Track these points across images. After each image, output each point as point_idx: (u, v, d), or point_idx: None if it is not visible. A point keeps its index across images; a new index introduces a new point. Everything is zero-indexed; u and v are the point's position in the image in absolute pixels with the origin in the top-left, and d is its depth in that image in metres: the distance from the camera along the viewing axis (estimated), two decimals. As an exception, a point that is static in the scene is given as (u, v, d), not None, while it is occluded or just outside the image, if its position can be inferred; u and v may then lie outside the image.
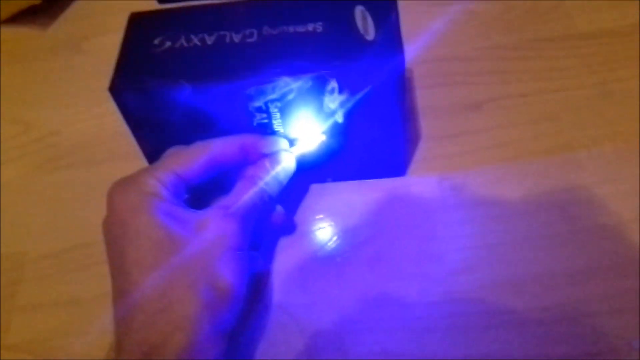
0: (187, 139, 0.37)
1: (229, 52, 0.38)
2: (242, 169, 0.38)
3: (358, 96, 0.37)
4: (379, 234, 0.42)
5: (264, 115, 0.38)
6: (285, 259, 0.42)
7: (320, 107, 0.38)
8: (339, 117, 0.39)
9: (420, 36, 0.52)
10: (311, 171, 0.42)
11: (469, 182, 0.44)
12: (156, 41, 0.39)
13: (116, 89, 0.37)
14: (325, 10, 0.39)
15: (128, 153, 0.45)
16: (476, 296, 0.38)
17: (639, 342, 0.35)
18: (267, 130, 0.39)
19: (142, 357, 0.30)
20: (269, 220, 0.39)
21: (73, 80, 0.57)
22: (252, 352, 0.38)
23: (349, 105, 0.38)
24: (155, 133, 0.40)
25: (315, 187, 0.45)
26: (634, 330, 0.36)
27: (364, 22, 0.38)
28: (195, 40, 0.39)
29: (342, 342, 0.38)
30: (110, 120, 0.52)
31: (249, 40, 0.38)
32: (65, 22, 0.63)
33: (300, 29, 0.38)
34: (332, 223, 0.43)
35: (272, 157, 0.38)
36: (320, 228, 0.43)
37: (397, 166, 0.45)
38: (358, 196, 0.45)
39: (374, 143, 0.42)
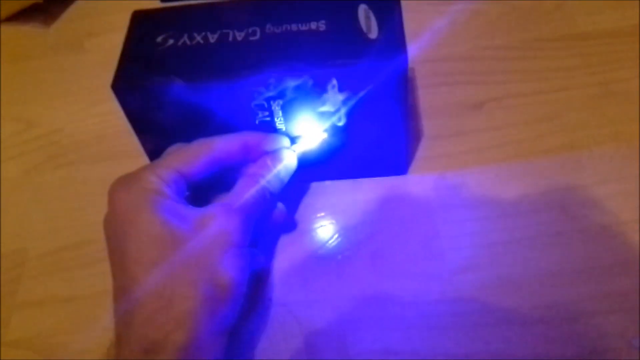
0: (189, 137, 0.37)
1: (231, 50, 0.38)
2: (243, 166, 0.38)
3: (360, 95, 0.37)
4: (380, 233, 0.42)
5: (266, 113, 0.38)
6: (286, 257, 0.42)
7: (322, 105, 0.38)
8: (341, 116, 0.39)
9: (423, 35, 0.52)
10: (313, 169, 0.42)
11: (470, 181, 0.44)
12: (159, 39, 0.39)
13: (118, 87, 0.37)
14: (328, 8, 0.39)
15: (130, 151, 0.45)
16: (477, 295, 0.38)
17: (639, 341, 0.35)
18: (269, 128, 0.39)
19: (143, 353, 0.30)
20: (270, 218, 0.39)
21: (75, 78, 0.57)
22: (252, 349, 0.38)
23: (351, 103, 0.38)
24: (157, 131, 0.40)
25: (316, 185, 0.45)
26: (635, 329, 0.36)
27: (367, 21, 0.38)
28: (198, 39, 0.39)
29: (342, 340, 0.38)
30: (112, 118, 0.52)
31: (252, 38, 0.38)
32: (68, 21, 0.63)
33: (303, 27, 0.38)
34: (333, 221, 0.44)
35: (273, 154, 0.38)
36: (321, 226, 0.43)
37: (398, 165, 0.45)
38: (359, 194, 0.45)
39: (375, 141, 0.42)
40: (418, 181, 0.45)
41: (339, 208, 0.44)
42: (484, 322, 0.37)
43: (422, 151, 0.46)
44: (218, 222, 0.34)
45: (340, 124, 0.39)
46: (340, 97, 0.37)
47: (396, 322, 0.38)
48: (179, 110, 0.38)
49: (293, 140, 0.40)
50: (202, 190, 0.37)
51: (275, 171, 0.37)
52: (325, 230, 0.43)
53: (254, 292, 0.40)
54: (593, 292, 0.38)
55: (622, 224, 0.40)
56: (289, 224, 0.43)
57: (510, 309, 0.38)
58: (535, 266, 0.39)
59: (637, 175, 0.42)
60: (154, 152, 0.40)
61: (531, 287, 0.38)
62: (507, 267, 0.39)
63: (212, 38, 0.38)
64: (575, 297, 0.38)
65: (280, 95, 0.37)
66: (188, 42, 0.39)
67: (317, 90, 0.37)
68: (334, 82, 0.36)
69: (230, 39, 0.38)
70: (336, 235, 0.43)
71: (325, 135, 0.40)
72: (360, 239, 0.42)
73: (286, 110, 0.38)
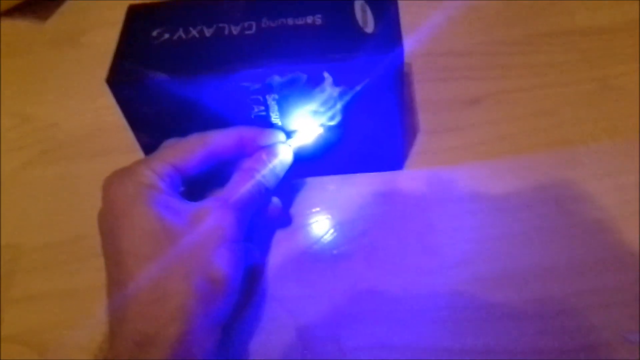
0: (184, 131, 0.37)
1: (227, 44, 0.38)
2: (238, 161, 0.38)
3: (356, 89, 0.37)
4: (376, 227, 0.42)
5: (262, 107, 0.38)
6: (281, 252, 0.42)
7: (318, 99, 0.38)
8: (337, 111, 0.38)
9: (420, 30, 0.52)
10: (308, 164, 0.42)
11: (466, 176, 0.44)
12: (154, 33, 0.39)
13: (113, 81, 0.37)
14: (324, 2, 0.39)
15: (125, 146, 0.44)
16: (472, 289, 0.38)
17: (635, 335, 0.35)
18: (264, 122, 0.39)
19: (136, 347, 0.30)
20: (265, 213, 0.39)
21: (71, 73, 0.57)
22: (246, 343, 0.38)
23: (347, 98, 0.38)
24: (152, 125, 0.40)
25: (312, 180, 0.45)
26: (629, 323, 0.36)
27: (364, 15, 0.38)
28: (194, 32, 0.39)
29: (337, 335, 0.38)
30: (108, 113, 0.52)
31: (248, 32, 0.38)
32: (64, 15, 0.63)
33: (300, 21, 0.38)
34: (329, 216, 0.43)
35: (269, 149, 0.38)
36: (316, 221, 0.43)
37: (394, 160, 0.45)
38: (355, 189, 0.44)
39: (371, 136, 0.42)
40: (414, 176, 0.45)
41: (335, 203, 0.44)
42: (478, 317, 0.37)
43: (418, 146, 0.46)
44: (213, 217, 0.34)
45: (336, 119, 0.39)
46: (336, 91, 0.37)
47: (391, 316, 0.38)
48: (174, 104, 0.38)
49: (289, 134, 0.40)
50: (197, 185, 0.37)
51: (270, 166, 0.37)
52: (320, 225, 0.43)
53: (248, 286, 0.40)
54: (587, 286, 0.38)
55: (617, 219, 0.40)
56: (284, 219, 0.43)
57: (505, 303, 0.38)
58: (529, 260, 0.39)
59: (634, 170, 0.42)
60: (149, 147, 0.40)
61: (525, 281, 0.38)
62: (502, 262, 0.39)
63: (208, 32, 0.38)
64: (570, 291, 0.38)
65: (276, 90, 0.37)
66: (183, 37, 0.38)
67: (312, 85, 0.37)
68: (329, 77, 0.36)
69: (226, 33, 0.38)
70: (331, 230, 0.43)
71: (320, 130, 0.40)
72: (355, 234, 0.42)
73: (282, 104, 0.38)
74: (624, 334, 0.36)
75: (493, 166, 0.44)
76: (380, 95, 0.38)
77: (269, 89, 0.37)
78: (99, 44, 0.59)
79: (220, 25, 0.39)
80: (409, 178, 0.45)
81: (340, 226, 0.43)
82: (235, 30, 0.38)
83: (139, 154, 0.42)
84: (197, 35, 0.38)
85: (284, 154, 0.38)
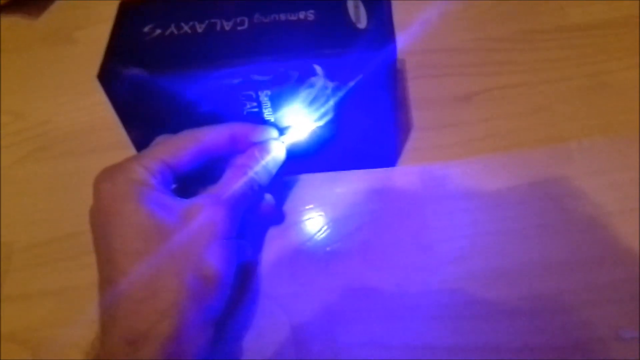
0: (176, 128, 0.37)
1: (219, 40, 0.37)
2: (231, 158, 0.38)
3: (349, 85, 0.37)
4: (369, 224, 0.42)
5: (254, 103, 0.38)
6: (274, 249, 0.42)
7: (310, 96, 0.37)
8: (330, 107, 0.38)
9: (412, 27, 0.52)
10: (301, 161, 0.42)
11: (459, 172, 0.44)
12: (146, 29, 0.39)
13: (105, 77, 0.37)
14: (317, -2, 0.39)
15: (118, 143, 0.44)
16: (465, 286, 0.38)
17: (631, 331, 0.35)
18: (256, 119, 0.39)
19: (127, 345, 0.30)
20: (257, 210, 0.39)
21: (63, 70, 0.57)
22: (239, 341, 0.38)
23: (340, 94, 0.38)
24: (144, 121, 0.40)
25: (305, 177, 0.45)
26: (624, 320, 0.36)
27: (356, 11, 0.38)
28: (186, 28, 0.38)
29: (330, 332, 0.38)
30: (100, 109, 0.51)
31: (240, 28, 0.38)
32: (56, 12, 0.63)
33: (292, 17, 0.38)
34: (322, 213, 0.43)
35: (261, 146, 0.38)
36: (309, 218, 0.43)
37: (387, 156, 0.45)
38: (348, 186, 0.44)
39: (364, 133, 0.42)
40: (407, 173, 0.45)
41: (328, 200, 0.44)
42: (472, 313, 0.37)
43: (412, 143, 0.46)
44: (205, 214, 0.33)
45: (329, 115, 0.39)
46: (329, 87, 0.37)
47: (384, 313, 0.38)
48: (166, 100, 0.38)
49: (281, 131, 0.40)
50: (189, 181, 0.37)
51: (263, 162, 0.37)
52: (313, 222, 0.43)
53: (241, 284, 0.40)
54: (581, 283, 0.38)
55: (611, 215, 0.40)
56: (277, 216, 0.43)
57: (499, 300, 0.38)
58: (523, 257, 0.39)
59: (627, 166, 0.42)
60: (141, 144, 0.40)
61: (519, 278, 0.38)
62: (496, 258, 0.39)
63: (200, 28, 0.38)
64: (564, 288, 0.38)
65: (268, 86, 0.37)
66: (175, 32, 0.38)
67: (305, 81, 0.36)
68: (321, 71, 0.36)
69: (218, 28, 0.38)
70: (325, 227, 0.43)
71: (313, 127, 0.40)
72: (348, 231, 0.42)
73: (274, 100, 0.38)
74: (619, 330, 0.36)
75: (487, 163, 0.44)
76: (373, 91, 0.38)
77: (261, 85, 0.37)
78: (91, 40, 0.58)
79: (213, 20, 0.38)
80: (403, 175, 0.45)
81: (333, 223, 0.43)
82: (227, 25, 0.38)
83: (132, 151, 0.42)
84: (189, 31, 0.38)
85: (276, 151, 0.38)
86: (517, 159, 0.44)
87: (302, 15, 0.38)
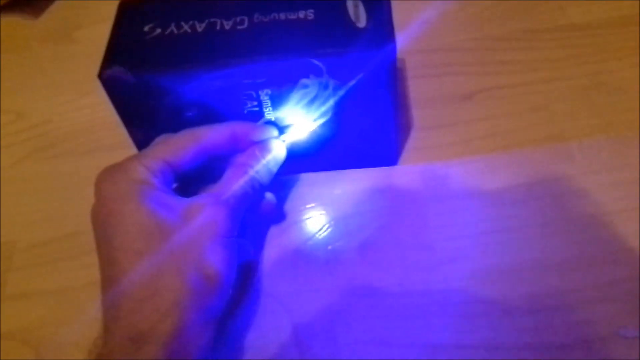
0: (176, 127, 0.37)
1: (219, 39, 0.37)
2: (231, 157, 0.38)
3: (350, 84, 0.37)
4: (370, 223, 0.42)
5: (255, 103, 0.38)
6: (275, 247, 0.42)
7: (311, 95, 0.38)
8: (330, 106, 0.38)
9: (412, 26, 0.52)
10: (302, 160, 0.42)
11: (460, 171, 0.44)
12: (146, 28, 0.39)
13: (106, 76, 0.37)
14: (316, -3, 0.39)
15: (119, 142, 0.44)
16: (465, 285, 0.38)
17: (632, 330, 0.35)
18: (257, 118, 0.39)
19: (130, 343, 0.30)
20: (258, 209, 0.39)
21: (64, 69, 0.57)
22: (241, 339, 0.38)
23: (341, 93, 0.38)
24: (144, 121, 0.40)
25: (306, 176, 0.45)
26: (625, 318, 0.36)
27: (356, 10, 0.38)
28: (186, 27, 0.38)
29: (331, 330, 0.38)
30: (101, 109, 0.52)
31: (240, 27, 0.38)
32: (56, 11, 0.63)
33: (292, 16, 0.38)
34: (323, 212, 0.43)
35: (262, 145, 0.38)
36: (311, 217, 0.43)
37: (388, 155, 0.45)
38: (349, 185, 0.44)
39: (365, 132, 0.42)
40: (408, 172, 0.45)
41: (329, 199, 0.44)
42: (473, 312, 0.37)
43: (412, 142, 0.46)
44: (206, 213, 0.33)
45: (329, 114, 0.39)
46: (329, 86, 0.37)
47: (385, 312, 0.38)
48: (166, 100, 0.38)
49: (282, 130, 0.40)
50: (190, 180, 0.37)
51: (264, 161, 0.37)
52: (314, 221, 0.43)
53: (242, 282, 0.40)
54: (582, 281, 0.38)
55: (610, 214, 0.40)
56: (278, 215, 0.43)
57: (500, 299, 0.38)
58: (523, 256, 0.39)
59: (627, 165, 0.42)
60: (142, 143, 0.40)
61: (519, 276, 0.38)
62: (496, 257, 0.39)
63: (200, 27, 0.38)
64: (564, 286, 0.38)
65: (268, 85, 0.37)
66: (175, 31, 0.38)
67: (305, 80, 0.36)
68: (321, 70, 0.36)
69: (218, 28, 0.38)
70: (326, 226, 0.43)
71: (314, 126, 0.40)
72: (349, 230, 0.42)
73: (274, 100, 0.38)
74: (619, 329, 0.36)
75: (487, 162, 0.44)
76: (374, 90, 0.38)
77: (261, 84, 0.37)
78: (91, 40, 0.58)
79: (212, 20, 0.38)
80: (403, 174, 0.45)
81: (334, 222, 0.43)
82: (227, 25, 0.38)
83: (133, 150, 0.42)
84: (189, 30, 0.38)
85: (277, 150, 0.38)
86: (518, 158, 0.44)
87: (301, 14, 0.38)
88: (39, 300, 0.42)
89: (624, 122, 0.45)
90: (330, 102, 0.38)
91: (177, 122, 0.37)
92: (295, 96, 0.38)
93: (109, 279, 0.32)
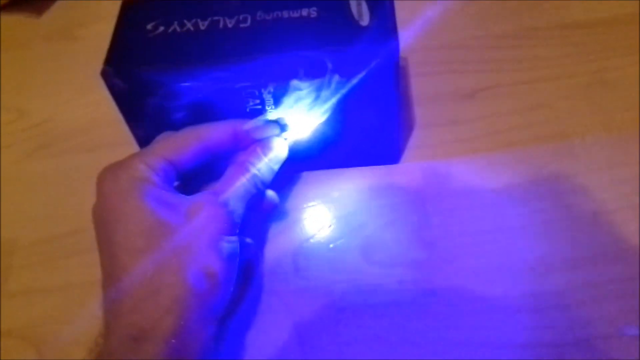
0: (178, 125, 0.37)
1: (222, 37, 0.37)
2: (233, 155, 0.38)
3: (352, 82, 0.37)
4: (372, 221, 0.42)
5: (257, 101, 0.38)
6: (278, 245, 0.42)
7: (313, 93, 0.37)
8: (332, 104, 0.38)
9: (415, 24, 0.52)
10: (304, 158, 0.42)
11: (463, 169, 0.44)
12: (149, 26, 0.39)
13: (108, 74, 0.37)
14: (319, -5, 0.39)
15: (121, 140, 0.44)
16: (468, 282, 0.38)
17: (633, 328, 0.35)
18: (259, 116, 0.39)
19: (131, 341, 0.30)
20: (260, 207, 0.39)
21: (66, 67, 0.57)
22: (242, 337, 0.38)
23: (343, 92, 0.38)
24: (147, 118, 0.40)
25: (307, 174, 0.45)
26: (626, 317, 0.36)
27: (359, 8, 0.38)
28: (189, 25, 0.38)
29: (333, 328, 0.38)
30: (103, 107, 0.51)
31: (243, 25, 0.38)
32: (59, 9, 0.63)
33: (295, 14, 0.38)
34: (325, 210, 0.43)
35: (264, 143, 0.38)
36: (312, 215, 0.43)
37: (390, 153, 0.45)
38: (351, 183, 0.44)
39: (368, 130, 0.42)
40: (410, 170, 0.45)
41: (331, 197, 0.44)
42: (474, 310, 0.37)
43: (414, 140, 0.46)
44: (207, 211, 0.33)
45: (331, 112, 0.39)
46: (332, 84, 0.37)
47: (387, 309, 0.38)
48: (169, 97, 0.38)
49: (284, 128, 0.40)
50: (192, 178, 0.37)
51: (265, 160, 0.37)
52: (316, 219, 0.43)
53: (244, 280, 0.40)
54: (583, 279, 0.38)
55: (613, 212, 0.40)
56: (280, 213, 0.43)
57: (502, 297, 0.38)
58: (525, 254, 0.39)
59: (629, 163, 0.42)
60: (144, 141, 0.40)
61: (521, 274, 0.38)
62: (499, 255, 0.39)
63: (203, 25, 0.38)
64: (566, 285, 0.38)
65: (271, 83, 0.37)
66: (178, 29, 0.38)
67: (308, 78, 0.36)
68: (327, 68, 0.36)
69: (221, 26, 0.38)
70: (328, 224, 0.43)
71: (316, 124, 0.40)
72: (351, 227, 0.42)
73: (277, 98, 0.38)
74: (620, 327, 0.36)
75: (489, 160, 0.44)
76: (376, 88, 0.38)
77: (263, 82, 0.37)
78: (94, 37, 0.58)
79: (215, 18, 0.38)
80: (405, 172, 0.45)
81: (336, 220, 0.43)
82: (230, 23, 0.38)
83: (135, 148, 0.42)
84: (191, 29, 0.38)
85: (279, 148, 0.38)
86: (520, 156, 0.44)
87: (304, 12, 0.38)
88: (40, 298, 0.42)
89: (627, 120, 0.45)
90: (333, 101, 0.38)
91: (178, 120, 0.37)
92: (297, 94, 0.38)
93: (110, 277, 0.32)
